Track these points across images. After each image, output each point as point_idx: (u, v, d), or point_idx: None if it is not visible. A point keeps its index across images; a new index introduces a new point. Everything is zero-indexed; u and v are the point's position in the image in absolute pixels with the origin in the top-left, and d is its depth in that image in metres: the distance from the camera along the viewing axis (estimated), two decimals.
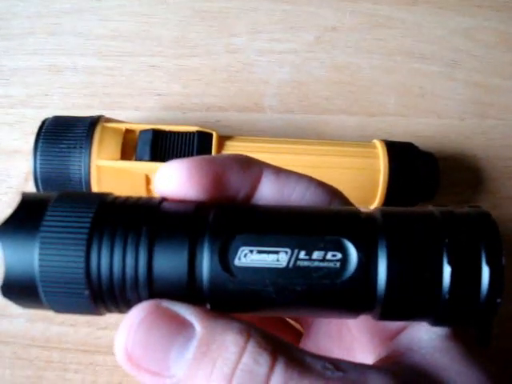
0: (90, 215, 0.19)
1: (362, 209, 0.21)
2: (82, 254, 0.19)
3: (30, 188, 0.42)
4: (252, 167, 0.22)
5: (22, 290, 0.19)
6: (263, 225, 0.20)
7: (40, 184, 0.36)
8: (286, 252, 0.19)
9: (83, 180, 0.36)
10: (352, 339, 0.25)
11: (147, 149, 0.37)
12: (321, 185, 0.23)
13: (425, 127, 0.47)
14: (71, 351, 0.40)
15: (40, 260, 0.19)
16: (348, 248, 0.19)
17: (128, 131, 0.38)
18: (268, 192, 0.22)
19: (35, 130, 0.37)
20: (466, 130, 0.47)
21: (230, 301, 0.19)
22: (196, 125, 0.39)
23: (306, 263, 0.19)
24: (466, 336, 0.22)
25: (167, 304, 0.19)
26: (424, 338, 0.21)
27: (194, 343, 0.18)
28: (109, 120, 0.38)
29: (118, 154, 0.37)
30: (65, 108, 0.45)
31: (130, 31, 0.48)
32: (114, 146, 0.37)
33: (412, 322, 0.22)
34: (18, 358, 0.40)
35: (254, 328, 0.19)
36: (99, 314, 0.20)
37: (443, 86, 0.48)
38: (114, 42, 0.47)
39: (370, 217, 0.20)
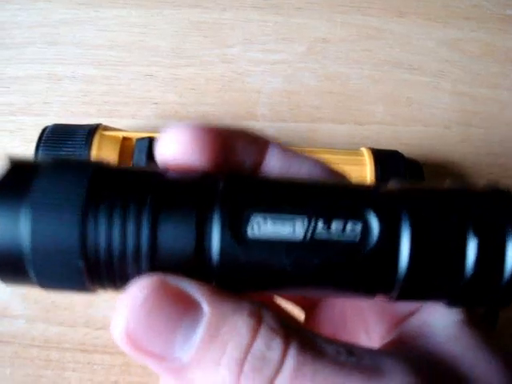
0: (88, 178, 0.17)
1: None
2: (78, 219, 0.17)
3: None
4: (259, 139, 0.21)
5: (9, 260, 0.17)
6: (278, 193, 0.18)
7: None
8: (303, 221, 0.17)
9: None
10: (357, 323, 0.24)
11: (143, 156, 0.38)
12: (327, 167, 0.22)
13: (411, 135, 0.48)
14: (69, 351, 0.42)
15: (31, 226, 0.17)
16: (369, 218, 0.17)
17: (125, 139, 0.39)
18: (274, 166, 0.21)
19: (35, 137, 0.38)
20: (452, 139, 0.49)
21: (241, 276, 0.18)
22: None
23: (324, 235, 0.17)
24: (481, 322, 0.21)
25: (174, 280, 0.17)
26: (438, 323, 0.20)
27: (203, 325, 0.17)
28: (107, 128, 0.40)
29: (116, 161, 0.38)
30: (64, 116, 0.47)
31: (127, 41, 0.49)
32: (111, 153, 0.38)
33: (426, 304, 0.21)
34: (19, 358, 0.41)
35: (265, 309, 0.18)
36: (91, 290, 0.18)
37: (430, 96, 0.50)
38: (111, 52, 0.49)
39: (389, 190, 0.19)
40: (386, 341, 0.21)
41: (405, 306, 0.21)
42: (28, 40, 0.49)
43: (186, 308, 0.17)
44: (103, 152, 0.38)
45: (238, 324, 0.17)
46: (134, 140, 0.39)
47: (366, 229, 0.17)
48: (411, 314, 0.21)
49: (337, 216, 0.17)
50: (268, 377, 0.17)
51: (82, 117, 0.47)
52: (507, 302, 0.18)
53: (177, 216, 0.17)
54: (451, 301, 0.18)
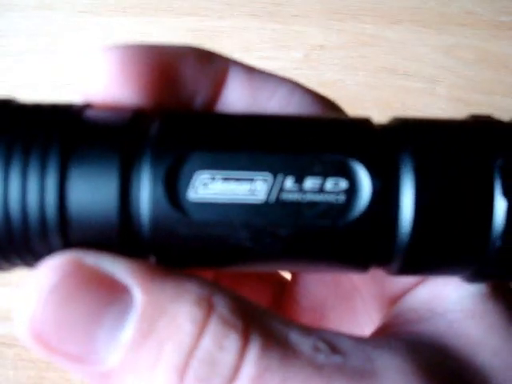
0: None
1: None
2: None
3: None
4: (215, 61, 0.16)
5: None
6: (230, 139, 0.13)
7: None
8: (266, 179, 0.13)
9: None
10: (352, 286, 0.19)
11: None
12: (309, 91, 0.17)
13: None
14: None
15: None
16: (357, 172, 0.13)
17: None
18: (237, 97, 0.16)
19: None
20: None
21: (183, 251, 0.13)
22: None
23: (294, 196, 0.13)
24: (509, 294, 0.16)
25: (93, 259, 0.13)
26: (452, 296, 0.15)
27: (133, 318, 0.12)
28: None
29: None
30: None
31: None
32: None
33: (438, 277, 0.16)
34: (21, 360, 0.42)
35: (219, 293, 0.13)
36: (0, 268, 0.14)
37: (425, 101, 0.50)
38: None
39: (387, 129, 0.14)
40: (388, 317, 0.16)
41: (406, 279, 0.16)
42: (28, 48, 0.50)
43: (111, 295, 0.12)
44: None
45: (180, 315, 0.12)
46: None
47: (353, 186, 0.13)
48: (415, 284, 0.16)
49: (312, 173, 0.13)
50: None
51: None
52: None
53: (92, 170, 0.12)
54: (473, 273, 0.14)
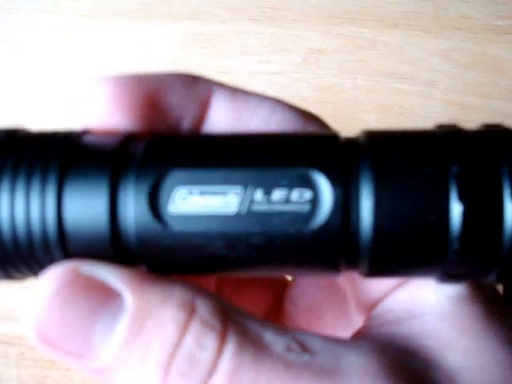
0: None
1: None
2: None
3: None
4: (199, 85, 0.18)
5: None
6: (206, 157, 0.15)
7: None
8: (237, 192, 0.14)
9: None
10: (336, 306, 0.21)
11: None
12: (291, 108, 0.18)
13: None
14: None
15: None
16: (320, 183, 0.14)
17: None
18: (221, 118, 0.18)
19: None
20: None
21: (168, 260, 0.15)
22: None
23: (263, 207, 0.14)
24: (493, 297, 0.17)
25: (88, 268, 0.15)
26: (429, 298, 0.16)
27: (124, 319, 0.14)
28: None
29: None
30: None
31: (128, 52, 0.51)
32: None
33: (413, 280, 0.17)
34: (24, 359, 0.43)
35: (201, 298, 0.15)
36: (11, 277, 0.16)
37: (422, 105, 0.51)
38: (113, 62, 0.51)
39: (351, 141, 0.16)
40: (360, 325, 0.18)
41: (385, 282, 0.18)
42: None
43: (104, 299, 0.15)
44: None
45: (165, 317, 0.14)
46: None
47: (317, 196, 0.14)
48: (395, 287, 0.17)
49: (278, 185, 0.14)
50: (198, 382, 0.14)
51: None
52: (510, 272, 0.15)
53: (85, 188, 0.14)
54: (441, 275, 0.15)
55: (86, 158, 0.15)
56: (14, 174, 0.14)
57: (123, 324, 0.14)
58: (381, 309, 0.17)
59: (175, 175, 0.14)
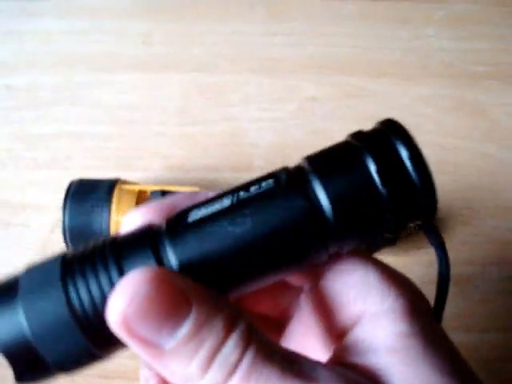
0: (59, 261, 0.20)
1: None
2: (62, 294, 0.19)
3: (55, 238, 0.49)
4: (199, 194, 0.24)
5: (21, 354, 0.19)
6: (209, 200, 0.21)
7: (68, 235, 0.44)
8: (228, 200, 0.20)
9: (103, 232, 0.44)
10: (316, 341, 0.25)
11: None
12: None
13: None
14: None
15: (26, 319, 0.19)
16: (279, 174, 0.21)
17: (141, 192, 0.46)
18: None
19: (58, 188, 0.45)
20: None
21: (203, 272, 0.20)
22: (195, 183, 0.47)
23: (246, 195, 0.20)
24: (432, 332, 0.21)
25: (172, 276, 0.19)
26: (379, 335, 0.21)
27: (189, 322, 0.18)
28: (124, 182, 0.46)
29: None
30: (84, 169, 0.53)
31: (138, 102, 0.56)
32: (129, 204, 0.44)
33: (368, 309, 0.21)
34: None
35: (241, 317, 0.19)
36: (101, 354, 0.21)
37: None
38: (125, 112, 0.56)
39: (300, 164, 0.22)
40: (334, 355, 0.22)
41: (346, 319, 0.22)
42: (52, 101, 0.56)
43: (180, 303, 0.18)
44: (122, 203, 0.44)
45: (216, 326, 0.19)
46: (148, 192, 0.45)
47: (278, 179, 0.21)
48: (355, 323, 0.22)
49: (253, 185, 0.21)
50: (226, 373, 0.18)
51: (100, 170, 0.53)
52: (431, 209, 0.20)
53: (135, 255, 0.20)
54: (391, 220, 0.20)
55: (128, 238, 0.21)
56: (82, 268, 0.20)
57: (188, 324, 0.18)
58: (348, 340, 0.22)
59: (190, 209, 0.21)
